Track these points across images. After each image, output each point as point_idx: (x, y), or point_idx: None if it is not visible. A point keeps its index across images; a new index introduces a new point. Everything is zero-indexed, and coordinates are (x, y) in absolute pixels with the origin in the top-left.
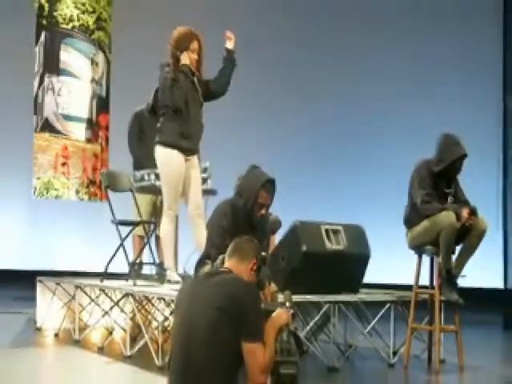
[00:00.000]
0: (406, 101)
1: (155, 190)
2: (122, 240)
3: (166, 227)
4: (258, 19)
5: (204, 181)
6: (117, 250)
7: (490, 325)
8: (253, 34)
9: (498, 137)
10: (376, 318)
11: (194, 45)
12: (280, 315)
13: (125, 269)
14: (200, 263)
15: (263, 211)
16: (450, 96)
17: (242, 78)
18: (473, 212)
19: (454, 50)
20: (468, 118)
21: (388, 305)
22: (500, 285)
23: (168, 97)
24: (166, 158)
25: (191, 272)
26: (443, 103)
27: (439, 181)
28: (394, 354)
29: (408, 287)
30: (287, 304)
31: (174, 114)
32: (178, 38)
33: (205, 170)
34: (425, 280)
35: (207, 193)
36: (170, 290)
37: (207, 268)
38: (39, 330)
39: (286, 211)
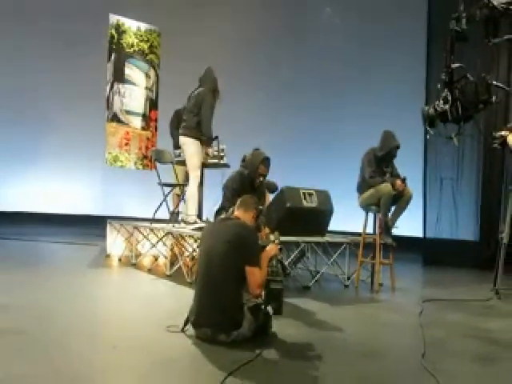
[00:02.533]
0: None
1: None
2: (165, 196)
3: (191, 188)
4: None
5: (221, 158)
6: (161, 203)
7: (414, 262)
8: None
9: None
10: (336, 254)
11: None
12: (271, 248)
13: (166, 216)
14: (218, 213)
15: (261, 179)
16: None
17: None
18: (403, 180)
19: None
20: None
21: (345, 245)
22: (420, 234)
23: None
24: (193, 144)
25: (211, 218)
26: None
27: (381, 162)
28: (348, 278)
29: (359, 233)
30: (276, 241)
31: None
32: None
33: (222, 151)
34: (370, 229)
35: (223, 166)
36: (196, 231)
37: (223, 216)
38: (108, 256)
39: (277, 180)
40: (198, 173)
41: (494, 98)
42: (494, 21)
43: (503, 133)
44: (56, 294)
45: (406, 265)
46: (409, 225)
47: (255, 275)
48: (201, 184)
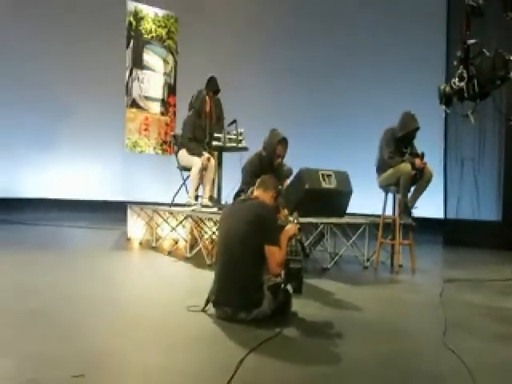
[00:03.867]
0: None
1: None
2: (184, 180)
3: (191, 172)
4: None
5: (240, 141)
6: (180, 186)
7: (434, 243)
8: None
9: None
10: (356, 235)
11: None
12: (291, 228)
13: (186, 200)
14: (237, 196)
15: (279, 160)
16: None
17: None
18: (422, 157)
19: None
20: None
21: (364, 226)
22: (441, 215)
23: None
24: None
25: (230, 201)
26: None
27: (399, 143)
28: (368, 260)
29: (378, 216)
30: (295, 221)
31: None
32: None
33: (240, 134)
34: (389, 210)
35: (242, 149)
36: (215, 214)
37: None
38: (129, 239)
39: (296, 161)
40: (198, 161)
41: (511, 74)
42: None
43: None
44: (77, 276)
45: (426, 246)
46: (429, 206)
47: (275, 254)
48: (219, 167)
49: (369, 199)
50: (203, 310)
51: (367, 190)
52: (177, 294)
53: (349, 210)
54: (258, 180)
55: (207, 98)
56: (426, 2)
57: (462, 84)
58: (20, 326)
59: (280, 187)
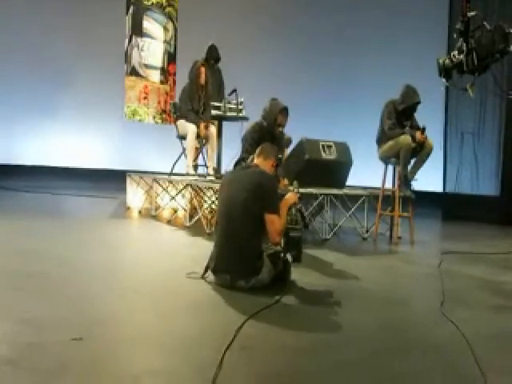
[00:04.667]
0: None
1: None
2: (183, 149)
3: (188, 140)
4: None
5: (240, 111)
6: (179, 155)
7: (433, 217)
8: None
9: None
10: (355, 206)
11: None
12: (291, 197)
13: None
14: (237, 164)
15: (280, 128)
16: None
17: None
18: (423, 130)
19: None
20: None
21: (363, 198)
22: (440, 189)
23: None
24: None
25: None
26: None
27: (401, 115)
28: (367, 231)
29: (378, 188)
30: (295, 190)
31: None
32: None
33: (241, 103)
34: (389, 182)
35: (242, 119)
36: (215, 183)
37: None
38: (128, 208)
39: (297, 132)
40: (193, 128)
41: (511, 47)
42: None
43: None
44: (77, 242)
45: (425, 219)
46: (428, 179)
47: (274, 223)
48: (219, 136)
49: (369, 171)
50: (202, 277)
51: (368, 162)
52: (176, 262)
53: (349, 182)
54: (258, 148)
55: (202, 69)
56: None
57: (461, 57)
58: (19, 288)
59: (280, 156)
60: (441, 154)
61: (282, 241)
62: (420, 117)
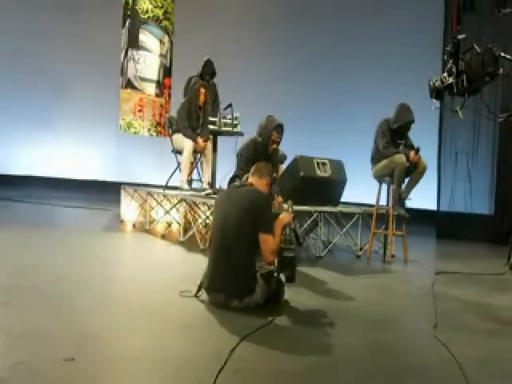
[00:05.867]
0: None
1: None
2: (178, 164)
3: (183, 155)
4: None
5: (235, 126)
6: (174, 170)
7: (427, 235)
8: None
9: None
10: (349, 224)
11: None
12: (285, 216)
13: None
14: (231, 181)
15: (275, 146)
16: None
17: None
18: (417, 151)
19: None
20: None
21: (357, 215)
22: (434, 207)
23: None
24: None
25: (224, 186)
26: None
27: (394, 134)
28: (361, 249)
29: (372, 205)
30: (290, 209)
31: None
32: None
33: (236, 118)
34: (384, 201)
35: (237, 134)
36: (210, 198)
37: (236, 183)
38: (122, 221)
39: (292, 149)
40: (190, 144)
41: (501, 70)
42: None
43: None
44: (70, 256)
45: (419, 237)
46: (423, 198)
47: (269, 242)
48: (214, 151)
49: (363, 188)
50: (196, 296)
51: (362, 178)
52: (169, 278)
53: (343, 199)
54: (253, 167)
55: (202, 90)
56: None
57: (452, 79)
58: (11, 303)
59: (274, 175)
60: (435, 173)
61: (276, 260)
62: (415, 135)
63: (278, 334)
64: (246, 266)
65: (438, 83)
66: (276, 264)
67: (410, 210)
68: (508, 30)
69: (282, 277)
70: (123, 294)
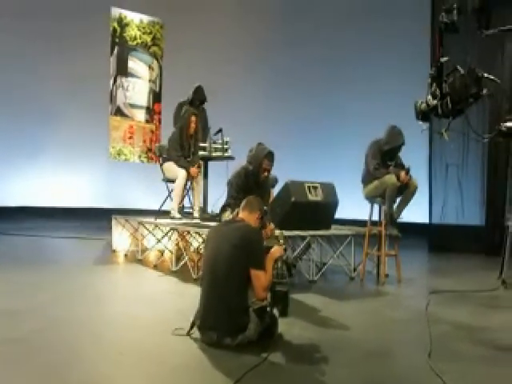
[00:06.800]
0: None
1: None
2: (169, 192)
3: (175, 184)
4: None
5: (226, 150)
6: (165, 199)
7: (419, 248)
8: None
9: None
10: (342, 246)
11: None
12: (276, 250)
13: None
14: (222, 209)
15: (266, 174)
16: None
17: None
18: (407, 171)
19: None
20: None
21: (350, 237)
22: (426, 220)
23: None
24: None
25: (216, 211)
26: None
27: (385, 155)
28: (354, 270)
29: (365, 221)
30: (281, 241)
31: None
32: None
33: (226, 143)
34: (376, 216)
35: (228, 158)
36: (201, 227)
37: (228, 213)
38: (114, 251)
39: (283, 173)
40: (183, 173)
41: (484, 91)
42: (487, 11)
43: (510, 125)
44: (61, 295)
45: (412, 251)
46: (414, 211)
47: (260, 278)
48: (205, 177)
49: (356, 205)
50: (188, 334)
51: (355, 196)
52: (162, 314)
53: (337, 216)
54: (244, 202)
55: (193, 118)
56: (411, 22)
57: (435, 102)
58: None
59: (265, 207)
60: (426, 186)
61: (268, 295)
62: (406, 148)
63: (272, 372)
64: (238, 302)
65: (423, 106)
66: (269, 298)
67: (402, 224)
68: (491, 51)
69: (275, 312)
70: (115, 334)
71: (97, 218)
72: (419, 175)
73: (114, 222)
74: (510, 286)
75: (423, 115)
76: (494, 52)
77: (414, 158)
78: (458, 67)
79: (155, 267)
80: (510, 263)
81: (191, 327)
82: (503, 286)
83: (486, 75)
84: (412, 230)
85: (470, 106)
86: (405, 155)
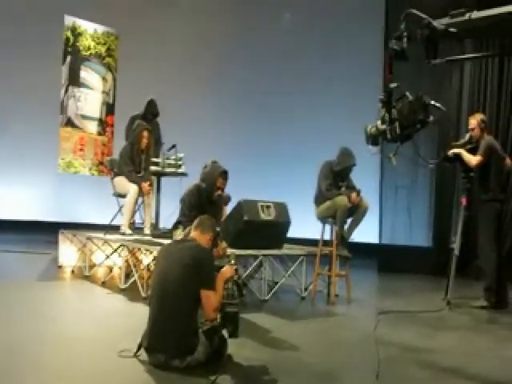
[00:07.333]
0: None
1: None
2: (120, 207)
3: (126, 199)
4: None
5: (179, 166)
6: (115, 214)
7: (369, 268)
8: None
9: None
10: (294, 266)
11: None
12: (227, 270)
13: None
14: (174, 227)
15: (219, 192)
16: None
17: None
18: (358, 193)
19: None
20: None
21: (301, 257)
22: (376, 241)
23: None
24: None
25: (168, 228)
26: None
27: (337, 176)
28: (305, 289)
29: (317, 240)
30: (232, 261)
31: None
32: None
33: (180, 159)
34: (328, 234)
35: (181, 175)
36: (152, 244)
37: (180, 231)
38: (60, 267)
39: (236, 191)
40: (133, 188)
41: (431, 118)
42: (434, 42)
43: (456, 150)
44: (2, 314)
45: (362, 271)
46: (365, 231)
47: (210, 299)
48: (158, 193)
49: (308, 225)
50: (135, 356)
51: (307, 215)
52: (109, 334)
53: (289, 234)
54: (196, 221)
55: (145, 134)
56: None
57: (385, 126)
58: None
59: (218, 229)
60: (377, 207)
61: (219, 316)
62: (358, 169)
63: None
64: (187, 323)
65: (373, 130)
66: (218, 319)
67: (353, 244)
68: (439, 79)
69: (225, 333)
70: (59, 358)
71: (44, 232)
72: (370, 197)
73: (61, 236)
74: (454, 307)
75: (373, 139)
76: (442, 80)
77: (366, 179)
78: (407, 93)
79: (103, 284)
80: (454, 284)
81: (138, 348)
82: (448, 306)
83: (432, 102)
84: (362, 250)
85: (417, 131)
86: (356, 177)
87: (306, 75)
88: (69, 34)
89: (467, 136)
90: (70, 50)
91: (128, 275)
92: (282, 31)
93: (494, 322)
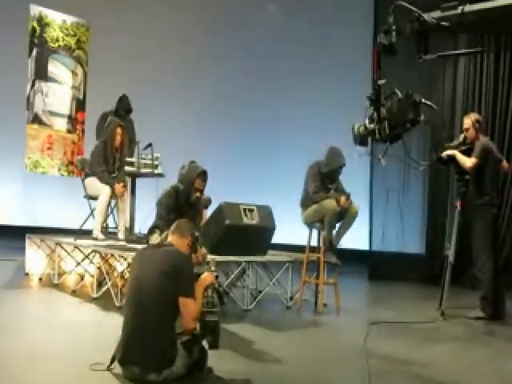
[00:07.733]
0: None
1: None
2: (92, 210)
3: (102, 202)
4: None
5: (156, 167)
6: (87, 217)
7: (359, 275)
8: None
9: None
10: (279, 273)
11: None
12: (206, 277)
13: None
14: (151, 231)
15: (198, 194)
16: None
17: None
18: (348, 196)
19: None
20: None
21: (287, 264)
22: (366, 247)
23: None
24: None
25: (144, 232)
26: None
27: (325, 178)
28: (291, 298)
29: (303, 246)
30: (212, 268)
31: None
32: None
33: (156, 159)
34: (315, 241)
35: (158, 175)
36: (126, 250)
37: (156, 235)
38: (27, 274)
39: (217, 193)
40: (106, 190)
41: (422, 117)
42: (425, 36)
43: (450, 152)
44: None
45: (352, 279)
46: (354, 237)
47: (189, 307)
48: (132, 195)
49: (294, 230)
50: (108, 369)
51: (293, 220)
52: (80, 347)
53: (274, 240)
54: (174, 225)
55: (118, 130)
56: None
57: (372, 126)
58: None
59: (196, 234)
60: (367, 212)
61: (198, 325)
62: (347, 173)
63: None
64: (164, 334)
65: (361, 129)
66: (198, 329)
67: (342, 251)
68: (429, 76)
69: (205, 343)
70: (22, 372)
71: (9, 237)
72: (360, 201)
73: (27, 241)
74: (448, 318)
75: (361, 139)
76: (434, 77)
77: (355, 183)
78: (396, 90)
79: (74, 293)
80: (449, 293)
81: (111, 361)
82: (442, 317)
83: (423, 101)
84: (352, 257)
85: (407, 131)
86: (346, 180)
87: (293, 75)
88: (35, 24)
89: (461, 137)
90: (36, 41)
91: (100, 283)
92: (266, 25)
93: (491, 333)
